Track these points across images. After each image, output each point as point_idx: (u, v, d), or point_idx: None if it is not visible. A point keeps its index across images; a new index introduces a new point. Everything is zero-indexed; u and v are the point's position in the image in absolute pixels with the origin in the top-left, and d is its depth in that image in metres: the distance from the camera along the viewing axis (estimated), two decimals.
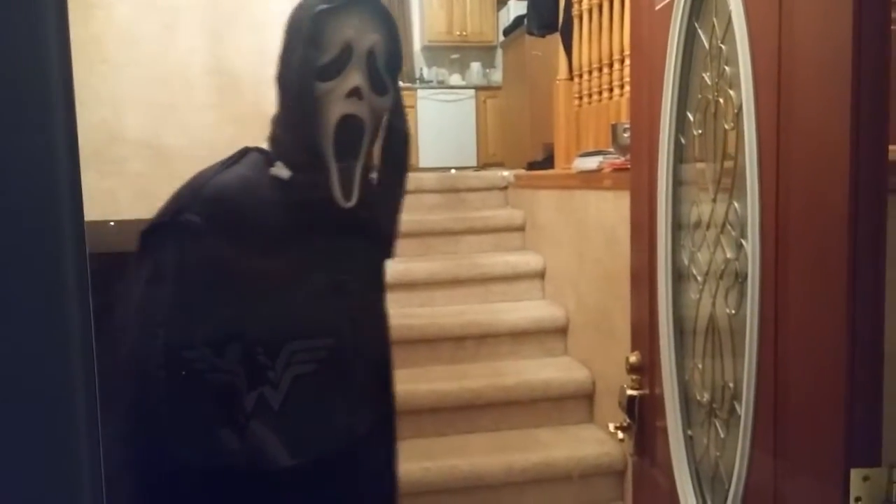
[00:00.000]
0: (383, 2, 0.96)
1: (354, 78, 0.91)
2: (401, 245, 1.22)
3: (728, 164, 1.06)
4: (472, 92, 6.73)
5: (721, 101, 1.07)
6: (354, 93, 0.91)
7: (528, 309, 3.14)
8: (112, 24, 2.67)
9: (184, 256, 1.02)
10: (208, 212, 0.99)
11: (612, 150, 2.44)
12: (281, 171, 1.00)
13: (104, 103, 2.67)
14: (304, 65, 0.91)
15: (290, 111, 0.95)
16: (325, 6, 0.90)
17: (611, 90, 2.83)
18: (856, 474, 0.75)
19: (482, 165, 6.48)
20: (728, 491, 1.04)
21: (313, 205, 1.01)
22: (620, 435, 1.48)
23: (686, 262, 1.23)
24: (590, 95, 3.07)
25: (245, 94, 2.71)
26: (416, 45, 7.11)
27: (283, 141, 0.98)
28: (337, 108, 0.92)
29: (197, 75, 2.72)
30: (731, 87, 1.03)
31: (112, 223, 2.78)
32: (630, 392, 1.43)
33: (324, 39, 0.90)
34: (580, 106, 3.19)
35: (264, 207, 1.00)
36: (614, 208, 2.40)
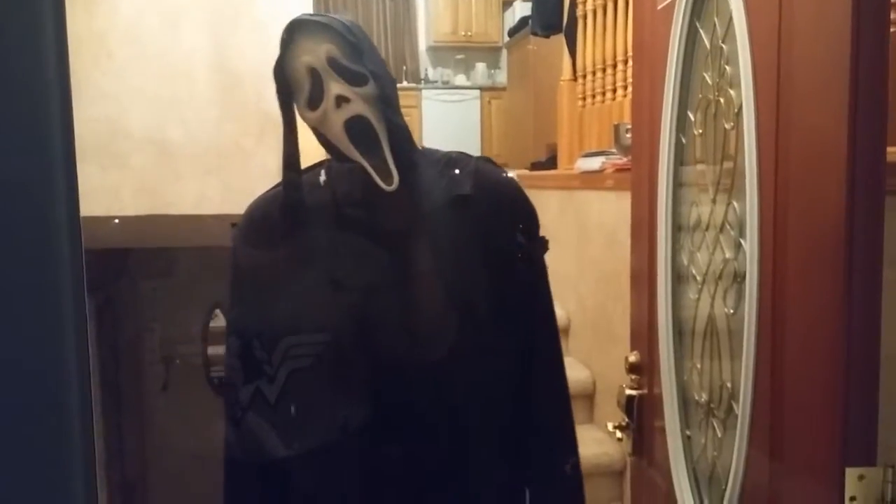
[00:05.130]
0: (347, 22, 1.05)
1: (333, 89, 1.00)
2: None
3: (728, 164, 1.06)
4: (476, 92, 6.72)
5: (721, 100, 1.07)
6: (341, 100, 1.00)
7: None
8: (116, 19, 2.68)
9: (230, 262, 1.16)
10: (242, 223, 1.14)
11: (614, 150, 2.44)
12: (321, 176, 1.10)
13: (108, 98, 2.68)
14: (295, 106, 1.04)
15: (317, 138, 1.07)
16: (279, 56, 1.02)
17: (614, 91, 2.84)
18: (851, 473, 0.75)
19: None
20: (725, 491, 1.04)
21: (350, 200, 1.07)
22: (619, 434, 1.48)
23: (686, 262, 1.23)
24: (593, 96, 3.07)
25: (247, 90, 2.72)
26: (422, 45, 7.11)
27: (330, 158, 1.11)
28: (337, 119, 1.00)
29: (200, 71, 2.73)
30: (731, 87, 1.03)
31: (116, 220, 2.79)
32: (629, 392, 1.43)
33: (294, 78, 1.02)
34: (584, 106, 3.20)
35: (289, 213, 1.08)
36: (616, 209, 2.40)
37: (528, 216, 1.15)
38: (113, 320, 4.02)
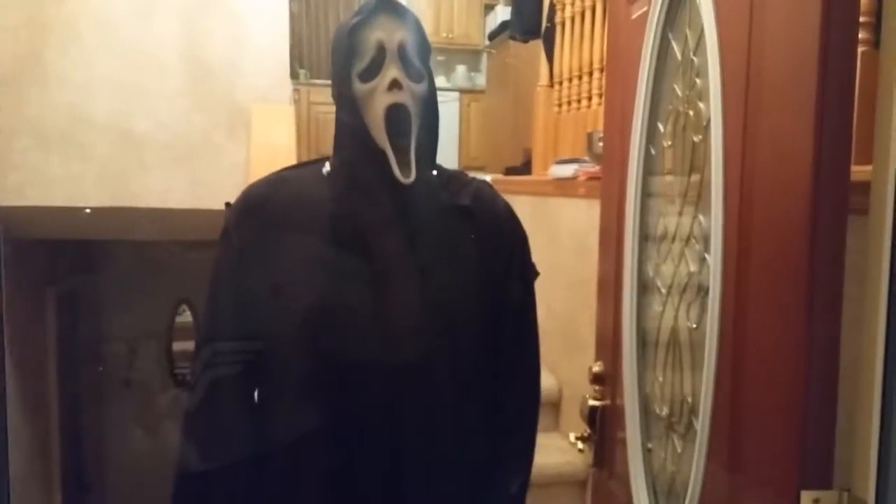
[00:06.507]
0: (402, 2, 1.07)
1: (392, 72, 1.01)
2: None
3: (695, 176, 1.05)
4: (456, 94, 6.70)
5: (691, 113, 1.06)
6: (394, 84, 1.01)
7: None
8: (86, 6, 2.61)
9: None
10: (238, 204, 1.10)
11: (587, 158, 2.44)
12: (325, 168, 1.10)
13: (74, 86, 2.61)
14: (346, 72, 1.03)
15: (345, 115, 1.06)
16: (356, 20, 1.03)
17: (590, 98, 2.83)
18: (806, 496, 0.74)
19: (463, 168, 6.46)
20: None
21: (353, 194, 1.06)
22: (581, 445, 1.47)
23: (651, 273, 1.22)
24: (569, 103, 3.07)
25: (218, 82, 2.66)
26: None
27: (343, 143, 1.08)
28: (382, 100, 1.01)
29: (170, 61, 2.67)
30: (701, 100, 1.02)
31: (87, 210, 2.72)
32: (592, 402, 1.42)
33: (361, 46, 1.03)
34: (559, 113, 3.19)
35: (276, 205, 1.07)
36: (587, 217, 2.39)
37: (520, 240, 1.18)
38: (73, 314, 3.93)
